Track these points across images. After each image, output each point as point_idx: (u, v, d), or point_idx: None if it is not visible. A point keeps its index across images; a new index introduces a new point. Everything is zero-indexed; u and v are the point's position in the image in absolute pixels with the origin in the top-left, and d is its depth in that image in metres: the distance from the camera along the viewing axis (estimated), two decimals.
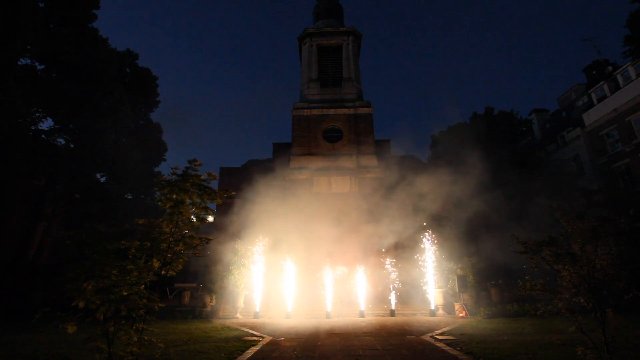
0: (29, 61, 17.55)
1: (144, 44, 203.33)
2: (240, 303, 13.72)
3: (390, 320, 11.90)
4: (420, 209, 17.64)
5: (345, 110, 21.47)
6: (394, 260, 14.01)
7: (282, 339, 8.50)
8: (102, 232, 4.44)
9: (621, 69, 22.90)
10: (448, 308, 13.90)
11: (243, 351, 7.00)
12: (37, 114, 17.63)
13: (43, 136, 19.57)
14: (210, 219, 22.46)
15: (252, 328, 10.32)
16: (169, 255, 4.37)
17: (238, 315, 13.33)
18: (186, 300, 17.11)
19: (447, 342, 7.70)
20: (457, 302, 13.50)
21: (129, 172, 22.26)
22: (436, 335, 8.75)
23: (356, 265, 13.92)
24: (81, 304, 3.68)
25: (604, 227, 5.29)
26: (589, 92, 25.93)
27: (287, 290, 13.36)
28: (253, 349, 7.22)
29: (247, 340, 8.24)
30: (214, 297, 14.18)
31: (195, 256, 5.26)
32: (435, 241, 15.05)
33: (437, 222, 17.74)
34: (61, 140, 20.24)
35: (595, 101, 24.82)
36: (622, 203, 20.99)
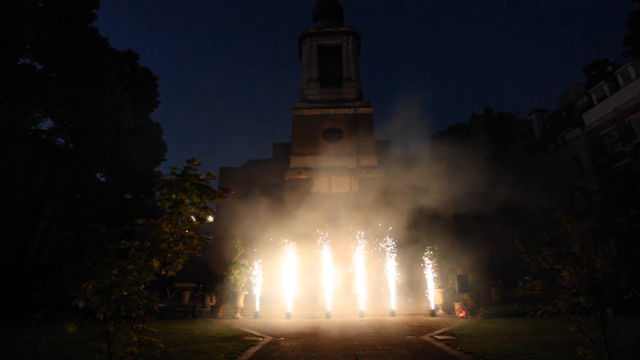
0: (28, 61, 17.54)
1: (144, 44, 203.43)
2: (240, 303, 13.72)
3: (390, 320, 11.90)
4: (420, 209, 17.66)
5: (345, 110, 21.48)
6: (395, 261, 14.00)
7: (282, 339, 8.50)
8: (102, 232, 4.41)
9: (621, 69, 22.89)
10: (448, 308, 13.90)
11: (243, 351, 7.00)
12: (37, 114, 17.63)
13: (43, 136, 19.57)
14: (210, 218, 22.46)
15: (252, 328, 10.32)
16: (169, 255, 4.37)
17: (238, 315, 13.33)
18: (186, 300, 17.13)
19: (447, 342, 7.70)
20: (457, 302, 13.49)
21: (129, 172, 22.25)
22: (436, 335, 8.75)
23: (356, 265, 13.92)
24: (81, 304, 3.67)
25: (604, 227, 5.28)
26: (589, 92, 25.92)
27: (287, 290, 13.36)
28: (253, 349, 7.22)
29: (247, 340, 8.24)
30: (214, 297, 14.18)
31: (196, 256, 5.26)
32: (436, 241, 15.06)
33: (437, 222, 17.76)
34: (61, 140, 20.25)
35: (595, 101, 24.81)
36: (622, 203, 21.00)
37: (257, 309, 13.23)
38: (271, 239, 15.10)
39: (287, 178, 19.83)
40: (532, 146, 28.58)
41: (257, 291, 13.74)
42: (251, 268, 14.17)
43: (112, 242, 4.15)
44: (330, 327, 10.18)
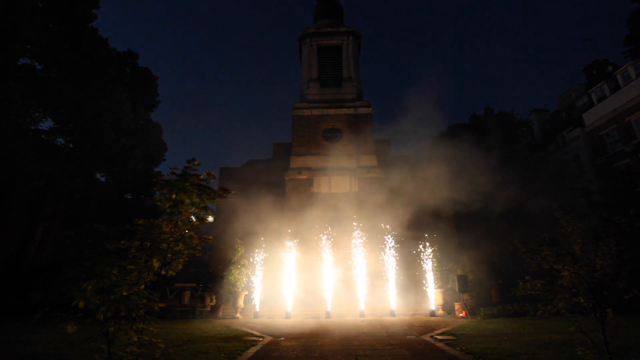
0: (28, 61, 17.54)
1: (144, 44, 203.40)
2: (240, 303, 13.72)
3: (390, 320, 11.90)
4: (421, 209, 17.65)
5: (345, 110, 21.47)
6: (395, 261, 14.00)
7: (282, 339, 8.50)
8: (102, 232, 4.42)
9: (621, 69, 22.89)
10: (448, 308, 13.90)
11: (243, 351, 6.99)
12: (37, 114, 17.62)
13: (43, 136, 19.57)
14: (210, 218, 22.47)
15: (252, 328, 10.32)
16: (169, 255, 4.36)
17: (238, 315, 13.33)
18: (186, 300, 17.13)
19: (447, 342, 7.70)
20: (457, 302, 13.50)
21: (129, 172, 22.26)
22: (436, 335, 8.75)
23: (356, 265, 13.92)
24: (81, 304, 3.67)
25: (604, 227, 5.28)
26: (589, 92, 25.92)
27: (287, 290, 13.36)
28: (253, 349, 7.22)
29: (247, 340, 8.24)
30: (214, 297, 14.18)
31: (196, 256, 5.25)
32: (436, 241, 15.05)
33: (438, 222, 17.76)
34: (61, 140, 20.25)
35: (595, 101, 24.81)
36: (622, 203, 21.00)
37: (257, 309, 13.23)
38: (271, 239, 15.10)
39: (287, 178, 19.82)
40: (532, 146, 28.57)
41: (257, 291, 13.74)
42: (251, 268, 14.18)
43: (112, 242, 4.14)
44: (330, 327, 10.18)
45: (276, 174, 20.72)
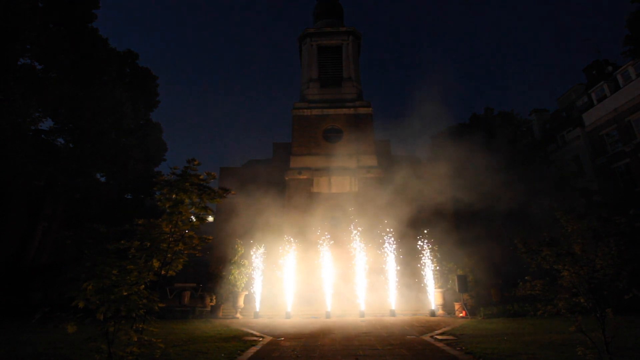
0: (29, 61, 17.54)
1: (144, 44, 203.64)
2: (240, 303, 13.72)
3: (390, 320, 11.90)
4: (420, 209, 17.66)
5: (345, 110, 21.46)
6: (395, 260, 14.00)
7: (282, 338, 8.50)
8: (102, 232, 4.43)
9: (621, 69, 22.89)
10: (448, 308, 13.89)
11: (243, 351, 6.99)
12: (37, 114, 17.63)
13: (43, 136, 19.57)
14: (210, 218, 22.46)
15: (252, 328, 10.32)
16: (169, 255, 4.36)
17: (238, 315, 13.33)
18: (186, 300, 17.13)
19: (447, 342, 7.70)
20: (457, 302, 13.49)
21: (129, 172, 22.26)
22: (436, 335, 8.75)
23: (356, 265, 13.92)
24: (81, 304, 3.67)
25: (604, 227, 5.28)
26: (589, 92, 25.92)
27: (287, 290, 13.35)
28: (253, 349, 7.22)
29: (247, 340, 8.24)
30: (214, 297, 14.18)
31: (196, 256, 5.26)
32: (436, 241, 15.05)
33: (438, 222, 17.77)
34: (61, 140, 20.26)
35: (595, 101, 24.81)
36: (622, 203, 21.00)
37: (257, 309, 13.23)
38: (271, 239, 15.09)
39: (287, 178, 19.82)
40: (532, 146, 28.56)
41: (257, 291, 13.74)
42: (251, 268, 14.18)
43: (112, 242, 4.14)
44: (330, 327, 10.18)
45: (276, 174, 20.73)
